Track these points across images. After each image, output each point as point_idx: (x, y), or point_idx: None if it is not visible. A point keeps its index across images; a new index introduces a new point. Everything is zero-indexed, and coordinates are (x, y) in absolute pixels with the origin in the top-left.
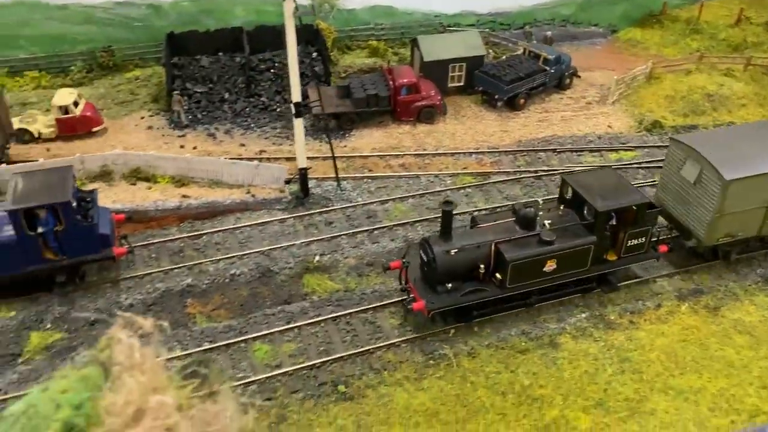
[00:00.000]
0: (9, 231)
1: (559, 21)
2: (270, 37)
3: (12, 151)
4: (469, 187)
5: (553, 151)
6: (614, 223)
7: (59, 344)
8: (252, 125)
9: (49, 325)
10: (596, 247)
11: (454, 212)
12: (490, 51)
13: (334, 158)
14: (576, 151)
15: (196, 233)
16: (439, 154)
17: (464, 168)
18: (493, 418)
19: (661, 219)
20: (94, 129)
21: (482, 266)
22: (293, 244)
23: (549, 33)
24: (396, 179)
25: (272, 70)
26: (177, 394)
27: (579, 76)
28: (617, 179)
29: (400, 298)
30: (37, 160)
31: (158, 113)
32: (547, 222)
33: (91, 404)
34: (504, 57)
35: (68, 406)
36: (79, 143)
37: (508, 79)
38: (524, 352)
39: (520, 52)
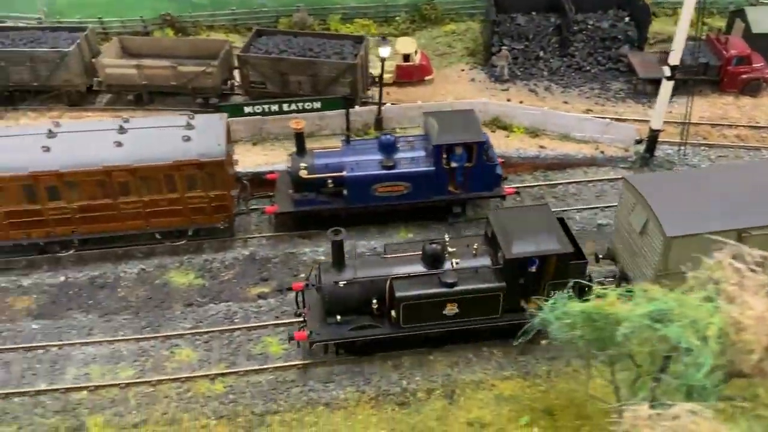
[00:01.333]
0: (427, 163)
1: None
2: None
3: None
4: None
5: None
6: (533, 270)
7: None
8: (570, 84)
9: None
10: (508, 295)
11: None
12: None
13: (687, 123)
14: None
15: (551, 182)
16: None
17: None
18: None
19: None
20: (426, 78)
21: (375, 301)
22: None
23: None
24: (735, 149)
25: (583, 32)
26: None
27: None
28: (548, 222)
29: None
30: (385, 104)
31: (476, 66)
32: (455, 261)
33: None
34: None
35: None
36: (411, 89)
37: None
38: (403, 405)
39: None
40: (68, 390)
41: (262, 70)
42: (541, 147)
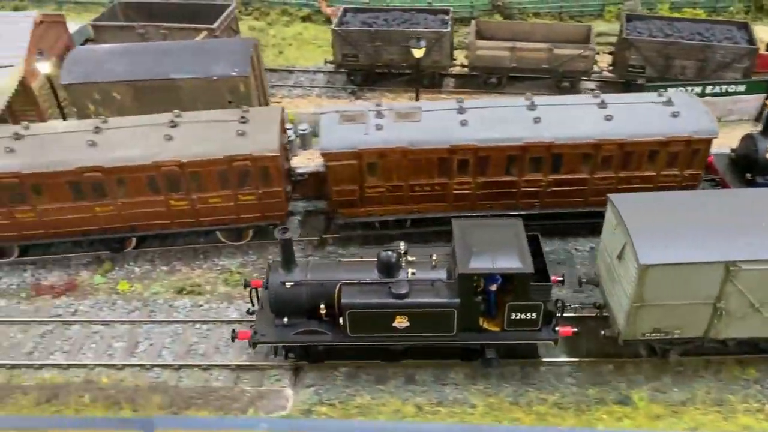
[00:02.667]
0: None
1: None
2: None
3: None
4: None
5: None
6: (493, 289)
7: None
8: None
9: None
10: (462, 313)
11: None
12: None
13: None
14: None
15: None
16: None
17: None
18: None
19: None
20: None
21: (323, 306)
22: None
23: None
24: None
25: None
26: None
27: None
28: (515, 238)
29: None
30: None
31: None
32: (411, 271)
33: None
34: None
35: None
36: None
37: None
38: None
39: None
40: None
41: (645, 53)
42: None
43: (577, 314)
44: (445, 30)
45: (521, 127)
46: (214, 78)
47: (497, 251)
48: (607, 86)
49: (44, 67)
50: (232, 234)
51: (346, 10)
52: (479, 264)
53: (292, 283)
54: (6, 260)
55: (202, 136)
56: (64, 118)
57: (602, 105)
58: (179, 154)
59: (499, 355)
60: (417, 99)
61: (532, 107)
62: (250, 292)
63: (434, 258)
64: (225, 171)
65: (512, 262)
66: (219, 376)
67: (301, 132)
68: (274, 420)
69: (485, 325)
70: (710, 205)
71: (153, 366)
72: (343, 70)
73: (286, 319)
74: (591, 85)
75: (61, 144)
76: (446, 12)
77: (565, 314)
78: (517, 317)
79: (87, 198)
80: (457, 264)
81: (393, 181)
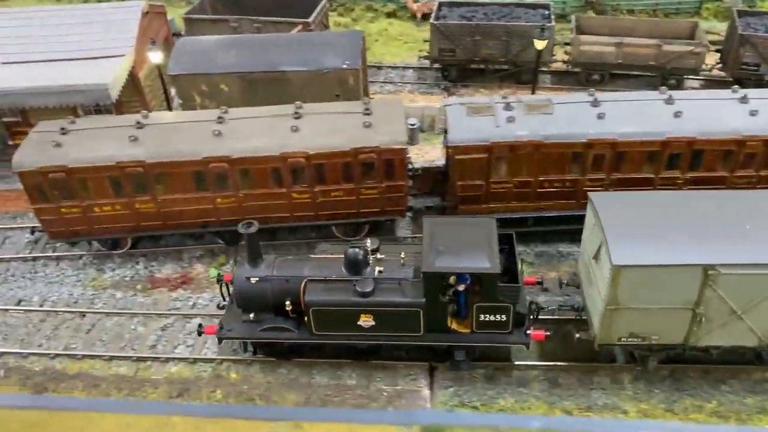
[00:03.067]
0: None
1: None
2: None
3: None
4: None
5: None
6: (461, 289)
7: None
8: None
9: None
10: (429, 313)
11: None
12: None
13: None
14: None
15: None
16: None
17: None
18: None
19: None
20: None
21: (289, 303)
22: None
23: None
24: None
25: None
26: None
27: None
28: (486, 237)
29: None
30: None
31: None
32: (378, 269)
33: None
34: None
35: None
36: None
37: None
38: None
39: None
40: None
41: (762, 50)
42: None
43: (556, 317)
44: (549, 24)
45: (661, 122)
46: (325, 71)
47: (464, 251)
48: (713, 85)
49: (156, 56)
50: (349, 229)
51: (441, 5)
52: (444, 263)
53: (257, 279)
54: (118, 252)
55: (329, 127)
56: (170, 110)
57: (744, 100)
58: (306, 146)
59: (470, 357)
60: (532, 93)
61: (670, 101)
62: (221, 286)
63: (402, 256)
64: (350, 164)
65: (478, 261)
66: (352, 374)
67: (411, 126)
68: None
69: (454, 327)
70: (695, 207)
71: (282, 361)
72: (437, 65)
73: (252, 315)
74: (696, 83)
75: (185, 133)
76: (546, 6)
77: (542, 317)
78: (486, 319)
79: (210, 189)
80: (423, 262)
81: (521, 177)
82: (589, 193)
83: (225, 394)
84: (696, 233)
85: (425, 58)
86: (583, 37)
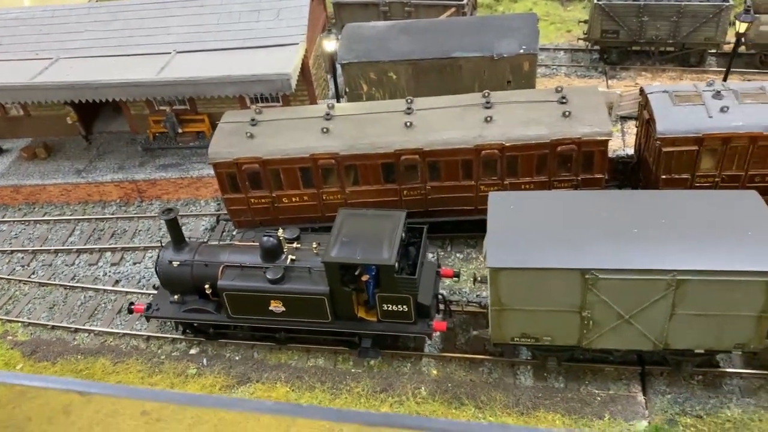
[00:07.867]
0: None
1: None
2: None
3: None
4: None
5: None
6: (365, 279)
7: None
8: None
9: None
10: (334, 301)
11: None
12: None
13: None
14: None
15: None
16: None
17: None
18: None
19: None
20: None
21: (208, 286)
22: None
23: None
24: None
25: None
26: None
27: None
28: (390, 230)
29: None
30: None
31: None
32: (291, 258)
33: None
34: None
35: None
36: None
37: None
38: None
39: None
40: None
41: None
42: None
43: (463, 310)
44: (726, 4)
45: None
46: (498, 56)
47: (365, 242)
48: None
49: (331, 45)
50: None
51: None
52: (341, 253)
53: (178, 263)
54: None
55: (524, 117)
56: (338, 100)
57: None
58: (502, 137)
59: (379, 346)
60: (725, 80)
61: None
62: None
63: (315, 246)
64: (545, 156)
65: (375, 253)
66: (558, 376)
67: None
68: None
69: (362, 315)
70: (590, 208)
71: (483, 359)
72: (597, 47)
73: (176, 296)
74: None
75: (376, 125)
76: None
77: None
78: (389, 309)
79: (398, 181)
80: (324, 252)
81: (731, 171)
82: (490, 193)
83: (430, 392)
84: (582, 235)
85: (584, 39)
86: (764, 17)
